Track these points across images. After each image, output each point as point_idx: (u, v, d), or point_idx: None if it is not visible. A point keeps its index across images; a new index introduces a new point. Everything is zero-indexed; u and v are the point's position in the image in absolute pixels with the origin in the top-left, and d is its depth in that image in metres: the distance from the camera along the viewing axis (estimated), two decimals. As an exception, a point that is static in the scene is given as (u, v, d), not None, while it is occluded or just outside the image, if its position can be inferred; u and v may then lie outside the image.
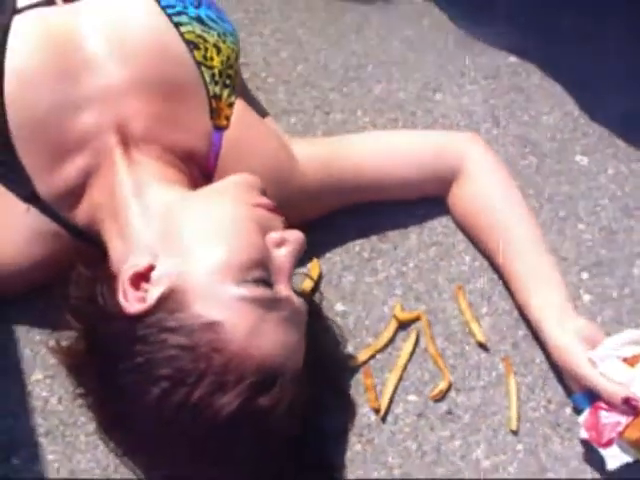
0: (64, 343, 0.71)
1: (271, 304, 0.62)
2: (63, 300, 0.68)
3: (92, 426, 0.72)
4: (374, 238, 0.86)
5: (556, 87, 1.01)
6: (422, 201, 0.88)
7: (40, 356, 0.77)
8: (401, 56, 1.03)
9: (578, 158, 0.94)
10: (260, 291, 0.62)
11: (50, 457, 0.71)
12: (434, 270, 0.84)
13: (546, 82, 1.01)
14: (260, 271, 0.63)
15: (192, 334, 0.59)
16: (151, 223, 0.67)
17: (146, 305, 0.61)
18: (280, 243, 0.65)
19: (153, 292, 0.61)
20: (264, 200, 0.68)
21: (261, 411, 0.60)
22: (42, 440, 0.72)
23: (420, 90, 0.99)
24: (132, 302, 0.61)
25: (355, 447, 0.73)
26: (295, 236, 0.66)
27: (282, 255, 0.65)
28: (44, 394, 0.75)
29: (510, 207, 0.84)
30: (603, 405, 0.70)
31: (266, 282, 0.63)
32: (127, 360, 0.61)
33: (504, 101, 0.99)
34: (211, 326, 0.59)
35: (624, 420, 0.68)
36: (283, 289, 0.64)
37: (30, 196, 0.72)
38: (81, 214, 0.73)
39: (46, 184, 0.72)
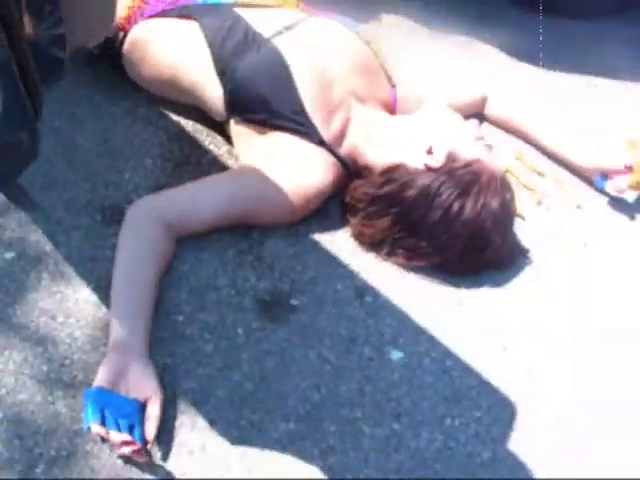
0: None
1: (490, 150, 1.21)
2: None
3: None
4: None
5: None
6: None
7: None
8: None
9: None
10: (487, 146, 1.21)
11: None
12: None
13: None
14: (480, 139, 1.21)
15: (471, 166, 1.16)
16: (408, 134, 1.21)
17: (442, 162, 1.15)
18: (479, 138, 1.24)
19: (439, 156, 1.16)
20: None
21: (508, 202, 1.18)
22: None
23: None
24: (433, 162, 1.15)
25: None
26: (483, 135, 1.25)
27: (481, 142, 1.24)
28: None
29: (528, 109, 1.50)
30: (614, 175, 1.39)
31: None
32: (435, 203, 1.14)
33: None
34: (478, 161, 1.16)
35: (627, 175, 1.37)
36: None
37: (319, 141, 1.22)
38: (345, 149, 1.24)
39: (326, 133, 1.23)
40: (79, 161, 1.26)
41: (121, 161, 1.28)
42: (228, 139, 1.33)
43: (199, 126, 1.37)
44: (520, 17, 1.77)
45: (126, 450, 0.90)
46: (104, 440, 0.91)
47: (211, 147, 1.34)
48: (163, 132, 1.35)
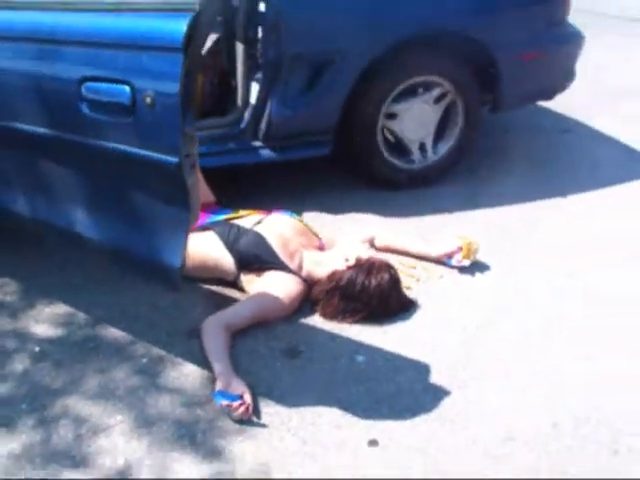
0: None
1: (376, 253, 2.32)
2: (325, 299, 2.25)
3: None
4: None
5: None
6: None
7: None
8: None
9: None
10: (375, 251, 2.32)
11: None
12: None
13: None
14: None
15: (368, 261, 2.28)
16: (334, 256, 2.33)
17: (353, 262, 2.25)
18: (371, 242, 2.37)
19: (351, 260, 2.27)
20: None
21: (394, 275, 2.26)
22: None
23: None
24: (349, 263, 2.22)
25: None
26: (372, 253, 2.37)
27: (369, 252, 2.35)
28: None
29: (398, 237, 2.65)
30: (454, 254, 2.50)
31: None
32: (357, 283, 2.22)
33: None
34: (371, 258, 2.28)
35: (459, 252, 2.49)
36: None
37: (290, 271, 2.30)
38: (304, 273, 2.34)
39: (292, 266, 2.33)
40: (168, 311, 2.26)
41: (188, 312, 2.29)
42: (239, 289, 2.38)
43: (221, 287, 2.41)
44: (389, 197, 3.03)
45: (242, 409, 1.80)
46: (229, 408, 1.80)
47: (231, 294, 2.37)
48: (204, 295, 2.38)
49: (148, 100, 1.52)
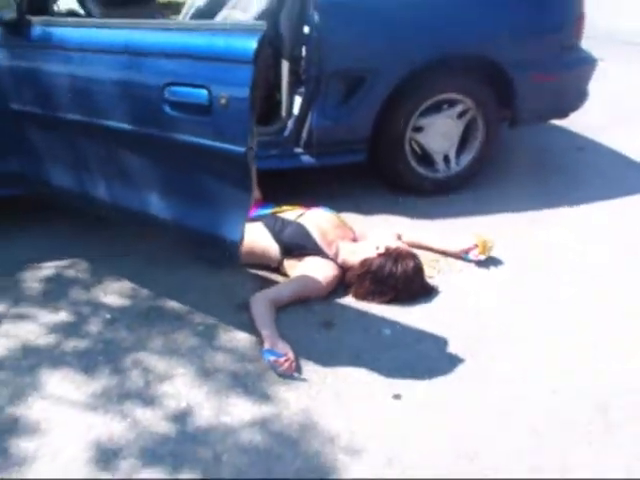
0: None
1: (403, 243, 2.65)
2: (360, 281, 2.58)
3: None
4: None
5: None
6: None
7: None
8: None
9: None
10: (402, 242, 2.65)
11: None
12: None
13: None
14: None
15: (396, 250, 2.61)
16: (366, 246, 2.65)
17: (383, 251, 2.56)
18: (399, 238, 2.70)
19: (381, 249, 2.59)
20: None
21: (418, 263, 2.59)
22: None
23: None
24: (379, 251, 2.55)
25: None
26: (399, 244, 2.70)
27: (397, 243, 2.68)
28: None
29: (422, 234, 2.97)
30: (470, 250, 2.82)
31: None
32: (385, 269, 2.55)
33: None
34: (398, 247, 2.60)
35: (476, 248, 2.80)
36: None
37: (328, 257, 2.64)
38: (339, 260, 2.69)
39: (330, 253, 2.68)
40: (219, 290, 2.60)
41: (236, 291, 2.63)
42: (281, 274, 2.71)
43: (266, 272, 2.75)
44: (414, 201, 3.36)
45: (286, 365, 2.12)
46: (275, 363, 2.12)
47: (273, 277, 2.71)
48: (251, 278, 2.72)
49: (223, 102, 1.89)
